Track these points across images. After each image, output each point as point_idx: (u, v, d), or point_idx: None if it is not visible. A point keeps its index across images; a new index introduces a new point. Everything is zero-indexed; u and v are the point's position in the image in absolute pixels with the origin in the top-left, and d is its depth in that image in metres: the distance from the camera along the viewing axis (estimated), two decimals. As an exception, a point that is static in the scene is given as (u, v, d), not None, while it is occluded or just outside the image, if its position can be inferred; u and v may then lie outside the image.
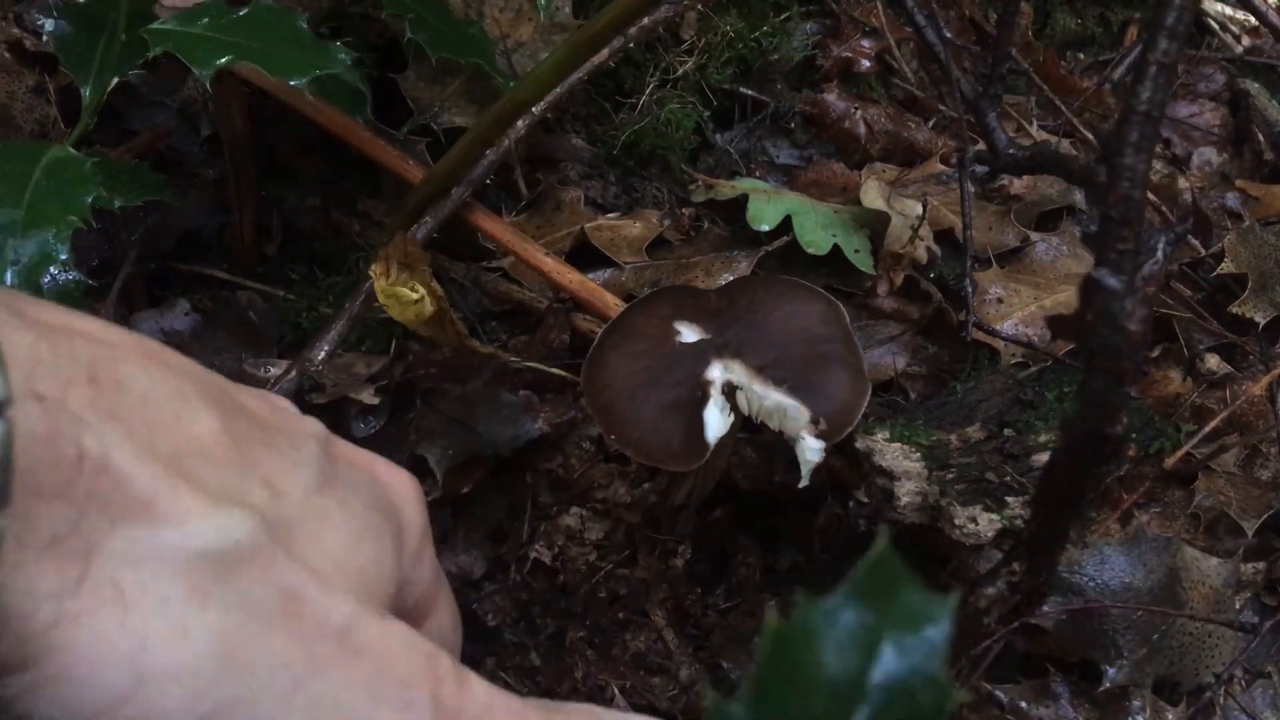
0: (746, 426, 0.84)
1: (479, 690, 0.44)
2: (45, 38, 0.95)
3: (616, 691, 0.89)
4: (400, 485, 0.52)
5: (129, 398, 0.38)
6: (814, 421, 0.77)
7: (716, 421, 0.77)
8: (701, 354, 0.80)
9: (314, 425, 0.49)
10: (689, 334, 0.82)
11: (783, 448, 0.87)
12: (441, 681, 0.43)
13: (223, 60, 0.86)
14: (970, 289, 1.08)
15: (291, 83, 0.88)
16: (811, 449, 0.76)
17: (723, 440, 0.78)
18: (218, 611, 0.37)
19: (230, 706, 0.37)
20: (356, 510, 0.46)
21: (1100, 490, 0.93)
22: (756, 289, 0.86)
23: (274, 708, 0.38)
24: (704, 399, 0.78)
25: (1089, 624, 0.88)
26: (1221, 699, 0.91)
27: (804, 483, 0.77)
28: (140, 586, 0.36)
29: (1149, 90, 0.53)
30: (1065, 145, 1.30)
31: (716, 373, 0.79)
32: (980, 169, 1.18)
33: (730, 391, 0.79)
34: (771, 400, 0.77)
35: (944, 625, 0.29)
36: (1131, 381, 0.55)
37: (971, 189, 1.12)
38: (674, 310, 0.84)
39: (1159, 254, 0.60)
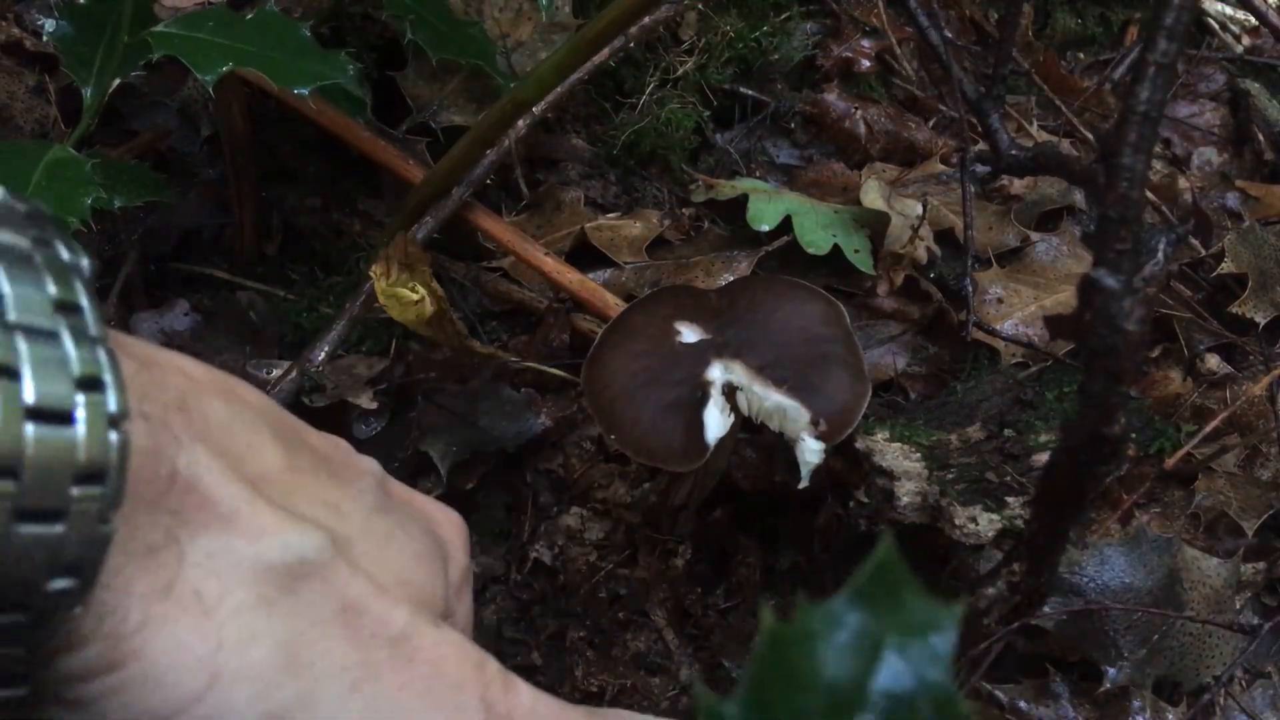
0: (746, 427, 0.84)
1: (525, 695, 0.47)
2: (46, 38, 0.95)
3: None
4: (449, 524, 0.56)
5: (212, 426, 0.42)
6: (814, 422, 0.77)
7: (716, 422, 0.77)
8: (701, 354, 0.80)
9: (371, 463, 0.53)
10: (689, 334, 0.82)
11: (783, 448, 0.87)
12: (490, 685, 0.46)
13: (226, 67, 0.86)
14: (970, 289, 1.08)
15: (295, 91, 0.88)
16: (811, 450, 0.76)
17: (723, 440, 0.78)
18: (283, 618, 0.41)
19: (292, 706, 0.41)
20: (414, 534, 0.50)
21: (1100, 491, 0.93)
22: (757, 289, 0.86)
23: (332, 708, 0.41)
24: (704, 399, 0.78)
25: (1089, 624, 0.88)
26: (1222, 699, 0.91)
27: (803, 484, 0.77)
28: (218, 594, 0.39)
29: (1148, 91, 0.53)
30: (1066, 145, 1.30)
31: (717, 373, 0.79)
32: (981, 169, 1.18)
33: (730, 392, 0.79)
34: (772, 401, 0.77)
35: (950, 633, 0.28)
36: (1130, 382, 0.55)
37: (972, 189, 1.12)
38: (674, 310, 0.84)
39: (1160, 254, 0.60)
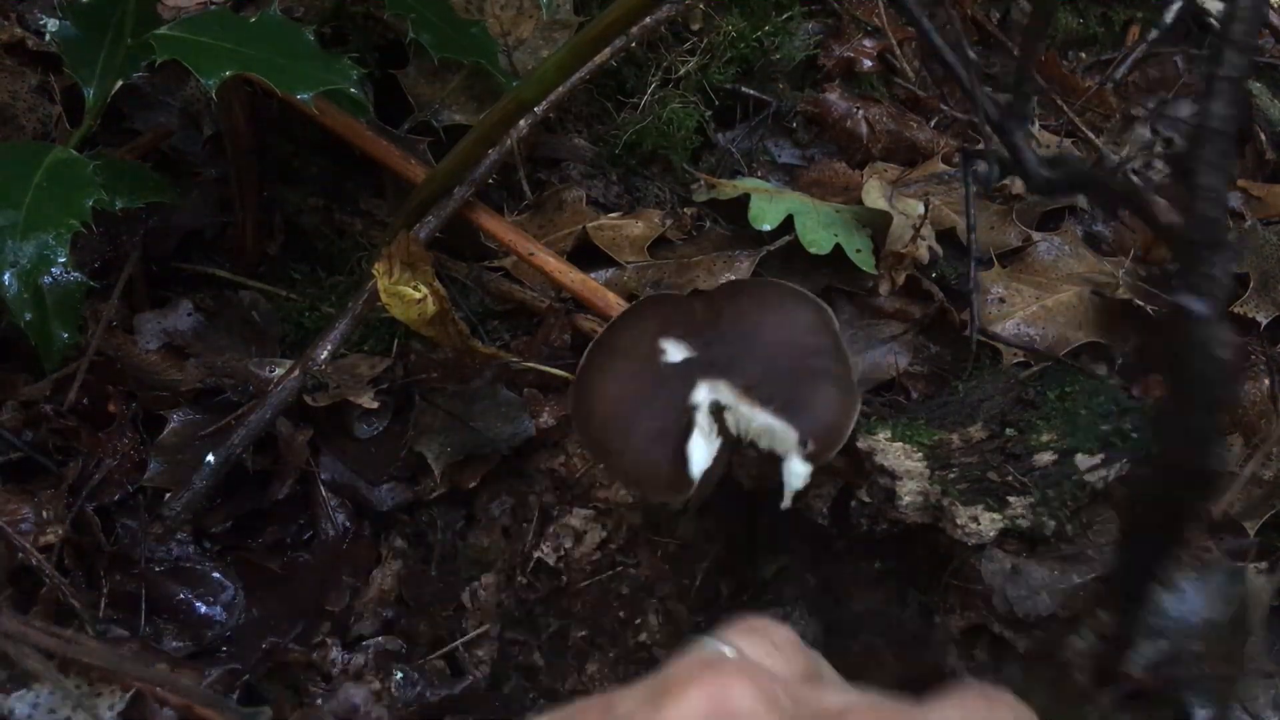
0: (738, 445, 0.83)
1: None
2: (48, 38, 0.95)
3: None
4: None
5: None
6: (803, 442, 0.75)
7: (701, 455, 0.75)
8: (688, 375, 0.79)
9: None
10: (675, 352, 0.80)
11: (774, 465, 0.85)
12: None
13: (229, 71, 0.86)
14: (975, 289, 1.07)
15: (298, 96, 0.88)
16: (796, 475, 0.74)
17: (709, 471, 0.76)
18: None
19: None
20: None
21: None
22: (742, 298, 0.84)
23: None
24: (689, 427, 0.76)
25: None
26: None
27: (785, 505, 0.75)
28: None
29: (1221, 106, 0.50)
30: (1067, 145, 1.30)
31: (703, 394, 0.78)
32: (982, 169, 1.17)
33: (718, 411, 0.77)
34: (759, 421, 0.76)
35: None
36: (1227, 410, 0.52)
37: (974, 189, 1.12)
38: (660, 326, 0.82)
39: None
